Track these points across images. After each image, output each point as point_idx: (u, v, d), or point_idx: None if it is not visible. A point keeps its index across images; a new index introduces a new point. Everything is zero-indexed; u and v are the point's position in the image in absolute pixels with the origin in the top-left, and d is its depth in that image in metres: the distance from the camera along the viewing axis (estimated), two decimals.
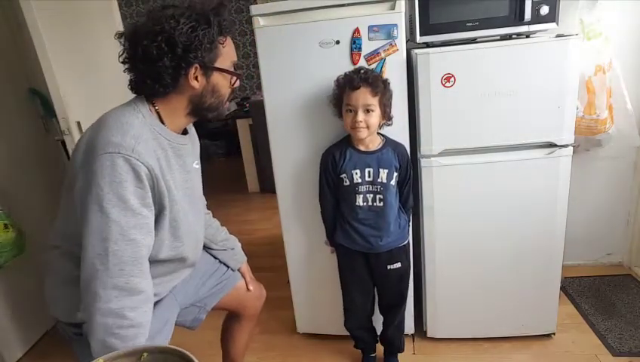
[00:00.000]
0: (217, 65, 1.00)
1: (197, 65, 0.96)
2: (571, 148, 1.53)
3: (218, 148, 5.33)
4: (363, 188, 1.46)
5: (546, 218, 1.61)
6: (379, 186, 1.45)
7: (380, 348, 1.78)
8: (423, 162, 1.59)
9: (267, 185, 3.83)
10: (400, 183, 1.50)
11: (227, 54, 1.02)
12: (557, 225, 1.62)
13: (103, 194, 0.88)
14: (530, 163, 1.55)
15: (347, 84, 1.38)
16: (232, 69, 1.05)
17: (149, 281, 0.96)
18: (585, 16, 1.80)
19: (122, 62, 0.99)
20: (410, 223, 1.62)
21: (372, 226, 1.48)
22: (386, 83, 1.40)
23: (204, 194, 1.40)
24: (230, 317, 1.49)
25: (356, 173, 1.45)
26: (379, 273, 1.56)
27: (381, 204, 1.46)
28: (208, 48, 0.96)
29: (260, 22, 1.51)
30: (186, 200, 1.07)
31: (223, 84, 1.04)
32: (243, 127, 3.88)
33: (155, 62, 0.93)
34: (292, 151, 1.64)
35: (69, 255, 0.99)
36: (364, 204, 1.47)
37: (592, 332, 1.81)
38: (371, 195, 1.46)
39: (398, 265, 1.54)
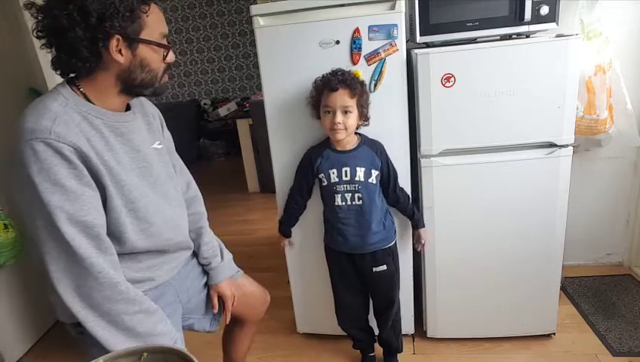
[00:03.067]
0: (143, 36, 0.92)
1: (118, 36, 0.89)
2: (571, 148, 1.53)
3: (218, 148, 5.33)
4: (341, 188, 1.47)
5: (546, 218, 1.61)
6: (356, 185, 1.45)
7: (379, 349, 1.77)
8: (423, 162, 1.59)
9: (267, 185, 3.83)
10: (384, 182, 1.49)
11: (154, 25, 0.94)
12: (557, 224, 1.62)
13: (36, 185, 0.83)
14: (530, 163, 1.55)
15: (325, 86, 1.40)
16: (163, 42, 0.97)
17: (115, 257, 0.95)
18: (585, 16, 1.80)
19: (37, 37, 0.90)
20: (424, 220, 1.62)
21: (353, 226, 1.49)
22: (363, 85, 1.42)
23: (202, 191, 1.37)
24: (233, 321, 1.48)
25: (333, 173, 1.46)
26: (365, 275, 1.56)
27: (360, 202, 1.46)
28: (128, 17, 0.88)
29: (259, 22, 1.51)
30: (142, 182, 1.02)
31: (153, 57, 0.96)
32: (243, 127, 3.88)
33: (67, 33, 0.85)
34: (292, 151, 1.64)
35: None
36: (343, 203, 1.48)
37: (592, 332, 1.81)
38: (349, 194, 1.47)
39: (384, 267, 1.54)
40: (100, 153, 0.92)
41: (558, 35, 1.46)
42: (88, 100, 0.95)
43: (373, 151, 1.47)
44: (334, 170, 1.46)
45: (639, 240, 2.14)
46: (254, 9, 1.50)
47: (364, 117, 1.44)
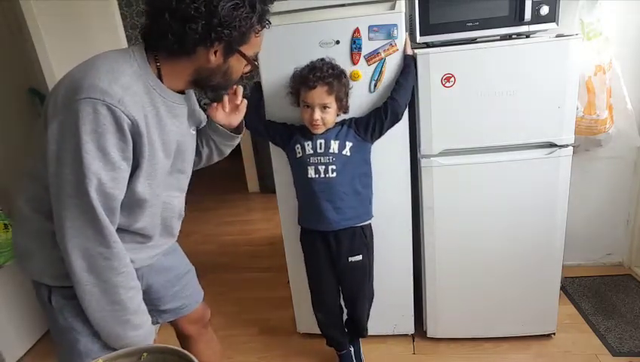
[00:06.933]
0: (242, 50, 0.96)
1: (224, 43, 0.92)
2: (571, 148, 1.53)
3: None
4: (314, 160, 1.46)
5: (546, 218, 1.61)
6: (331, 157, 1.45)
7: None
8: (423, 162, 1.59)
9: (267, 185, 3.83)
10: (369, 123, 1.48)
11: (255, 44, 0.99)
12: (557, 224, 1.62)
13: (82, 143, 0.82)
14: (530, 163, 1.55)
15: (303, 84, 1.40)
16: (254, 60, 1.02)
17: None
18: (585, 16, 1.80)
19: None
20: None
21: (327, 199, 1.47)
22: (340, 77, 1.42)
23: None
24: (182, 341, 1.40)
25: (308, 145, 1.47)
26: (340, 265, 1.55)
27: (334, 174, 1.45)
28: (243, 32, 0.92)
29: None
30: (169, 170, 1.02)
31: (237, 68, 1.00)
32: None
33: (187, 23, 0.86)
34: None
35: (40, 205, 0.95)
36: (317, 176, 1.46)
37: (592, 332, 1.81)
38: (323, 167, 1.46)
39: (359, 257, 1.54)
40: (150, 132, 0.92)
41: (558, 35, 1.46)
42: (159, 76, 0.95)
43: (347, 125, 1.49)
44: (309, 143, 1.47)
45: (639, 240, 2.14)
46: None
47: (343, 108, 1.45)
